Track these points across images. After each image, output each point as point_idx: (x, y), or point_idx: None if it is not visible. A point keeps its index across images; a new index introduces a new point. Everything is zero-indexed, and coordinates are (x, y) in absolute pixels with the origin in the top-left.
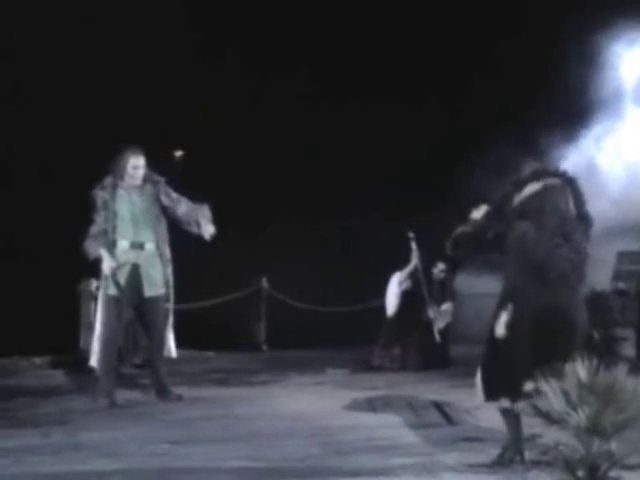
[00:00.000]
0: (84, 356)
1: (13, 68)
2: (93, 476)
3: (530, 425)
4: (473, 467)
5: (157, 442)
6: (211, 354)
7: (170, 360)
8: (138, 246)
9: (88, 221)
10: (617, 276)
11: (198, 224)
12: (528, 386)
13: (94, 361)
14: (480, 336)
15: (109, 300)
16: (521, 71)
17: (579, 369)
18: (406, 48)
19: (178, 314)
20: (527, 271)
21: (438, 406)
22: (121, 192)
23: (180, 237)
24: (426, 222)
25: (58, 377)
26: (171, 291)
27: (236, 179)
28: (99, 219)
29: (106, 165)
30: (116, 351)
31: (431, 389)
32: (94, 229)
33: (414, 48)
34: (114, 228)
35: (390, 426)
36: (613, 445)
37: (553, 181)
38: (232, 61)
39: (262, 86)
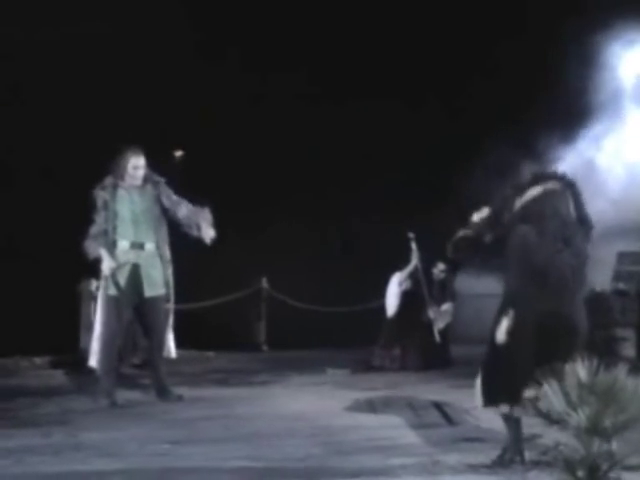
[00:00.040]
0: (84, 356)
1: (13, 68)
2: (94, 476)
3: (530, 425)
4: (473, 467)
5: (157, 442)
6: (211, 354)
7: (170, 360)
8: (138, 246)
9: (88, 221)
10: (617, 277)
11: (199, 227)
12: (528, 393)
13: (93, 361)
14: (480, 336)
15: (109, 300)
16: (521, 71)
17: (579, 369)
18: (406, 48)
19: (178, 314)
20: (528, 276)
21: (438, 406)
22: (122, 192)
23: (181, 238)
24: (426, 222)
25: (58, 377)
26: (171, 292)
27: (236, 179)
28: (99, 219)
29: (106, 165)
30: (116, 351)
31: (431, 389)
32: (94, 229)
33: (414, 48)
34: (114, 228)
35: (390, 426)
36: (613, 445)
37: (553, 185)
38: (232, 61)
39: (262, 86)
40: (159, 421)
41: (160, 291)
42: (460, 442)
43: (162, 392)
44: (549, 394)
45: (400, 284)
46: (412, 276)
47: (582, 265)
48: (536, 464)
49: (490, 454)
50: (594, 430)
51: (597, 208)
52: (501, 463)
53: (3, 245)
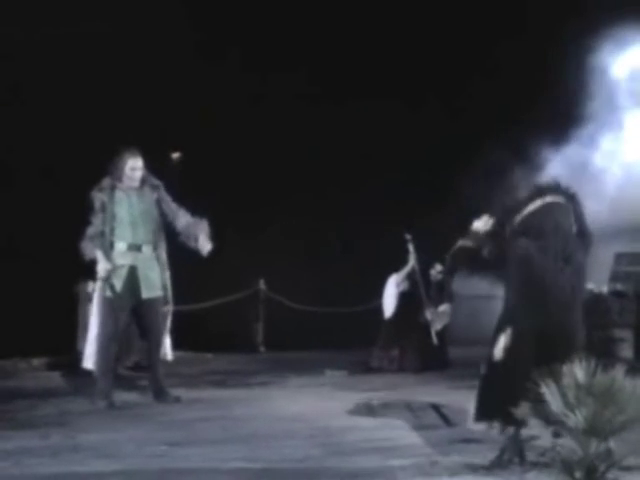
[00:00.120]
0: (81, 358)
1: (13, 68)
2: (92, 477)
3: (528, 426)
4: (471, 468)
5: (155, 443)
6: (209, 356)
7: (168, 362)
8: (136, 248)
9: (86, 222)
10: (615, 277)
11: (196, 239)
12: (521, 412)
13: (88, 363)
14: (477, 338)
15: (106, 302)
16: (521, 71)
17: (577, 370)
18: (406, 48)
19: (176, 316)
20: (528, 294)
21: (436, 408)
22: (120, 194)
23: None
24: (426, 222)
25: (56, 379)
26: (169, 294)
27: (236, 179)
28: (96, 221)
29: (105, 166)
30: (114, 353)
31: (429, 391)
32: (90, 230)
33: (414, 48)
34: (112, 230)
35: (389, 427)
36: (611, 446)
37: (554, 198)
38: (232, 61)
39: (262, 86)
40: (157, 422)
41: (157, 293)
42: (458, 443)
43: (160, 393)
44: (547, 395)
45: (397, 285)
46: (409, 277)
47: (582, 283)
48: (534, 465)
49: (488, 455)
50: (592, 431)
51: (594, 209)
52: (499, 464)
53: (3, 245)
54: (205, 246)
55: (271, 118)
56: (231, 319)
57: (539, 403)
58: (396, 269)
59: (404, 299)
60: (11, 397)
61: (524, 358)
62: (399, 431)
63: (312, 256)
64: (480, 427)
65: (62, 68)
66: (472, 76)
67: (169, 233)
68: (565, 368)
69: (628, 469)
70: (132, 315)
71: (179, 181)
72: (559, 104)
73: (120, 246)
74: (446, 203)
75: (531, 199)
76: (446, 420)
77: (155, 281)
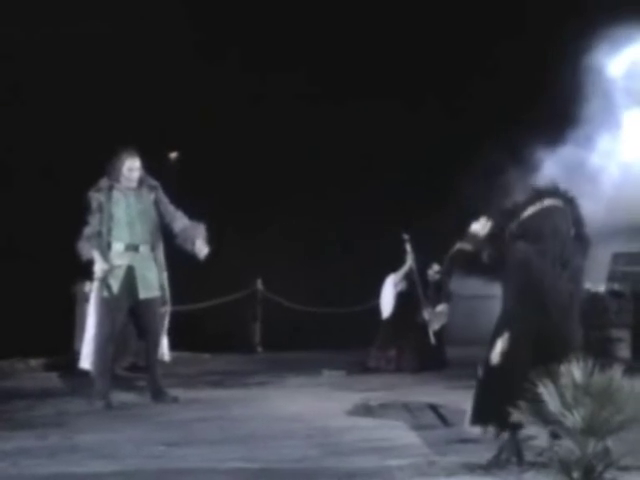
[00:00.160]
0: (78, 358)
1: (13, 68)
2: (90, 478)
3: (525, 428)
4: (469, 468)
5: (153, 444)
6: (206, 356)
7: (166, 362)
8: (133, 248)
9: (85, 223)
10: (612, 277)
11: (193, 243)
12: (515, 417)
13: (85, 363)
14: (474, 338)
15: (103, 302)
16: (521, 71)
17: (574, 370)
18: (406, 48)
19: (174, 316)
20: (526, 299)
21: (434, 408)
22: (117, 194)
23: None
24: (426, 223)
25: (54, 379)
26: (167, 295)
27: (235, 179)
28: (93, 221)
29: (104, 166)
30: (111, 353)
31: (427, 391)
32: (88, 230)
33: (414, 48)
34: (109, 230)
35: (386, 427)
36: (609, 446)
37: (553, 202)
38: (232, 61)
39: (262, 86)
40: (154, 423)
41: (155, 293)
42: (456, 443)
43: (157, 394)
44: (545, 395)
45: (395, 285)
46: (407, 277)
47: (579, 288)
48: (532, 465)
49: (485, 455)
50: (589, 431)
51: (591, 209)
52: (497, 464)
53: (3, 245)
54: (202, 250)
55: (271, 118)
56: (229, 319)
57: (537, 403)
58: (395, 269)
59: (402, 299)
60: (9, 397)
61: (521, 363)
62: (397, 431)
63: (311, 256)
64: (476, 431)
65: (62, 68)
66: (472, 76)
67: (166, 234)
68: (563, 368)
69: (626, 469)
70: (129, 315)
71: (176, 181)
72: (557, 104)
73: (117, 246)
74: (446, 203)
75: (529, 202)
76: (444, 420)
77: (152, 281)
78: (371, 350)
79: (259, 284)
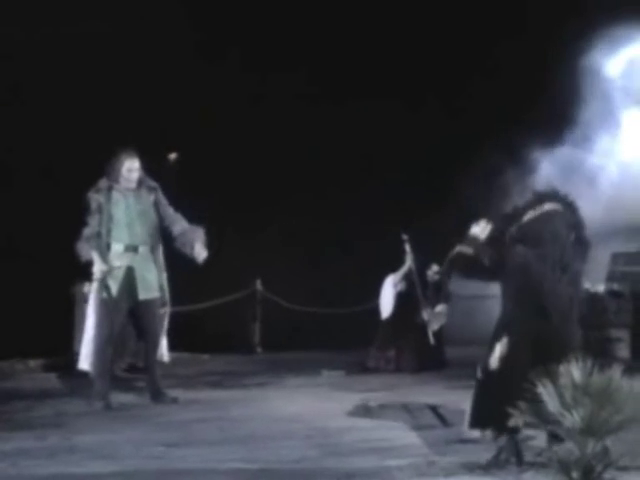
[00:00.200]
0: (77, 359)
1: (13, 68)
2: (89, 479)
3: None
4: (468, 468)
5: (152, 444)
6: (206, 356)
7: (165, 363)
8: (132, 249)
9: (84, 223)
10: (611, 277)
11: (192, 247)
12: (513, 422)
13: (84, 364)
14: (473, 338)
15: (102, 303)
16: (521, 71)
17: (573, 370)
18: (406, 48)
19: (173, 316)
20: (526, 303)
21: (433, 408)
22: (117, 195)
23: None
24: (426, 223)
25: (53, 380)
26: (166, 295)
27: (235, 179)
28: (93, 222)
29: (103, 166)
30: (110, 354)
31: (426, 391)
32: (87, 231)
33: (414, 48)
34: (109, 231)
35: (386, 428)
36: (608, 446)
37: (553, 206)
38: (232, 61)
39: (262, 86)
40: (154, 423)
41: (154, 294)
42: (455, 443)
43: (156, 394)
44: (544, 395)
45: (395, 286)
46: (406, 278)
47: (578, 292)
48: (531, 465)
49: (485, 455)
50: (589, 431)
51: (590, 208)
52: (496, 464)
53: (3, 245)
54: (200, 254)
55: (271, 118)
56: (228, 320)
57: (536, 403)
58: (395, 270)
59: (401, 299)
60: (8, 398)
61: (520, 367)
62: (396, 431)
63: (311, 256)
64: (475, 434)
65: (62, 68)
66: (472, 76)
67: (165, 235)
68: (562, 368)
69: (625, 469)
70: (129, 316)
71: (176, 182)
72: (557, 104)
73: (117, 247)
74: (446, 203)
75: (530, 206)
76: (443, 420)
77: (152, 282)
78: (370, 350)
79: (258, 284)
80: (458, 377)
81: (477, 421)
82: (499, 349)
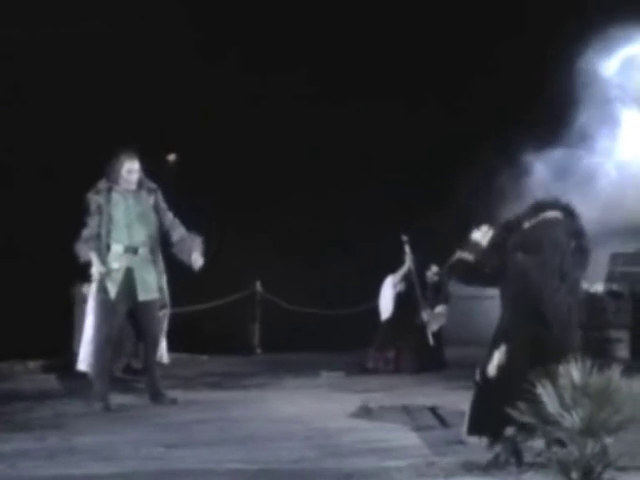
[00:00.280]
0: (77, 360)
1: (13, 68)
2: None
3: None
4: (468, 469)
5: (152, 445)
6: (205, 357)
7: (164, 364)
8: (132, 251)
9: (83, 224)
10: (611, 278)
11: (189, 254)
12: (509, 431)
13: (83, 365)
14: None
15: (101, 304)
16: (521, 71)
17: (573, 371)
18: (406, 48)
19: (172, 317)
20: (525, 311)
21: (433, 409)
22: (116, 196)
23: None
24: (426, 223)
25: (52, 381)
26: (166, 297)
27: (235, 179)
28: (92, 223)
29: (103, 167)
30: (109, 355)
31: (426, 391)
32: (86, 232)
33: (414, 48)
34: (108, 232)
35: (385, 428)
36: (607, 446)
37: (553, 214)
38: (232, 61)
39: (262, 86)
40: (153, 424)
41: (154, 295)
42: (455, 444)
43: (156, 395)
44: (543, 396)
45: (394, 286)
46: (406, 279)
47: (576, 300)
48: (531, 465)
49: (485, 456)
50: (588, 431)
51: (589, 208)
52: (496, 464)
53: (3, 245)
54: (197, 261)
55: (271, 118)
56: (228, 321)
57: (535, 404)
58: (394, 270)
59: (400, 300)
60: (7, 399)
61: (518, 376)
62: (395, 432)
63: (311, 257)
64: (473, 440)
65: (62, 68)
66: (472, 76)
67: (162, 239)
68: (561, 369)
69: (624, 469)
70: (128, 318)
71: (175, 183)
72: (556, 104)
73: (116, 248)
74: (446, 203)
75: (530, 214)
76: (442, 421)
77: (151, 284)
78: (370, 351)
79: (258, 285)
80: (457, 378)
81: (475, 428)
82: (497, 357)
